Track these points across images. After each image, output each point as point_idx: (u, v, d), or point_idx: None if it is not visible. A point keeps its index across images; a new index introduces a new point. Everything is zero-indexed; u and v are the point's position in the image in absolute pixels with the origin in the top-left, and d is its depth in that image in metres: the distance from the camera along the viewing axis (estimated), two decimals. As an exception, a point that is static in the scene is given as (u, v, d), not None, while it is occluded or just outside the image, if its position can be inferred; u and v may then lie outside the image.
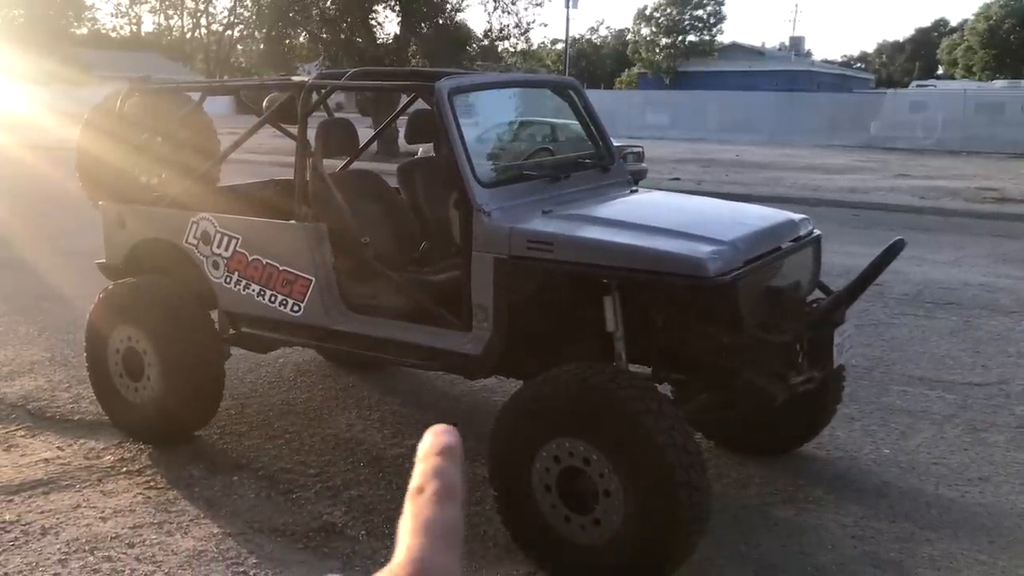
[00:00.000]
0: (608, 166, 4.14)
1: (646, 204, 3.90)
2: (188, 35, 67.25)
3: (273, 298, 3.96)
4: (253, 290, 4.02)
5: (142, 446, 4.25)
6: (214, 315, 4.34)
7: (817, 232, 3.71)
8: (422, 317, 3.66)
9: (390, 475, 3.94)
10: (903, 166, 22.82)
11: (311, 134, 3.95)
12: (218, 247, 4.10)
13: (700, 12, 53.09)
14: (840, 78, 55.25)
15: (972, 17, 53.07)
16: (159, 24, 69.98)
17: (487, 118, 16.35)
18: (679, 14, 52.77)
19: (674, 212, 3.78)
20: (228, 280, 4.10)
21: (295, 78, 4.35)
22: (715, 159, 24.22)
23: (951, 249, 10.05)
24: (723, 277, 2.96)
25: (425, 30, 24.74)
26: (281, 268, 3.91)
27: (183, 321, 4.13)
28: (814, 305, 3.42)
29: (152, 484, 3.85)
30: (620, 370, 3.06)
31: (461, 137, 3.46)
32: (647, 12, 54.43)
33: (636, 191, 4.05)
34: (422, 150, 17.24)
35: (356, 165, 5.07)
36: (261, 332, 4.13)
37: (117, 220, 4.51)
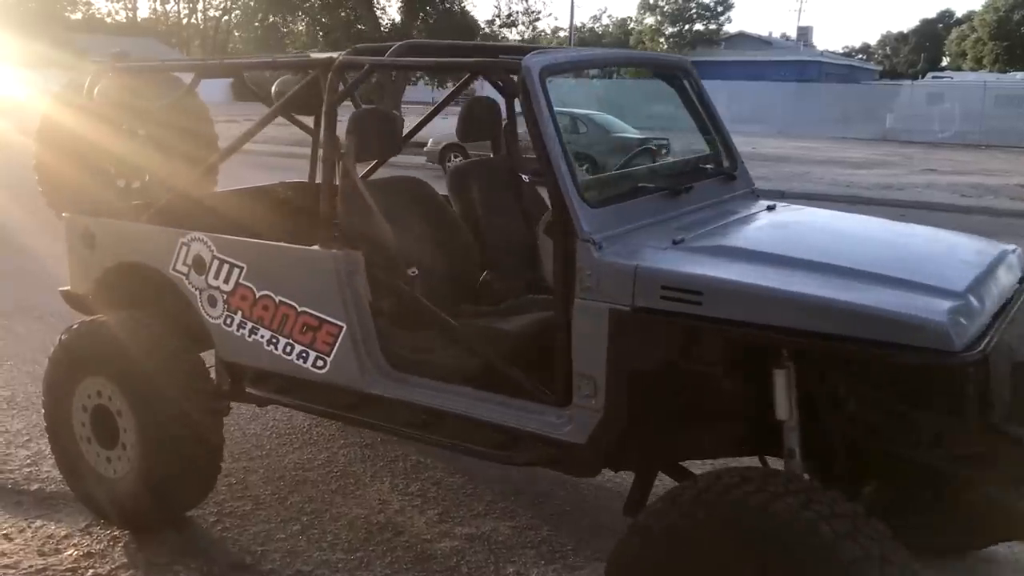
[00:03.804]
0: (733, 173, 3.15)
1: (809, 229, 2.88)
2: (184, 20, 66.04)
3: (289, 349, 2.95)
4: (261, 337, 3.01)
5: (116, 533, 3.27)
6: (209, 357, 3.34)
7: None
8: (495, 383, 2.66)
9: (444, 586, 2.96)
10: (926, 160, 21.91)
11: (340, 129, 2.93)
12: (215, 278, 3.10)
13: (706, 0, 51.98)
14: (848, 69, 54.31)
15: (980, 8, 52.25)
16: (155, 9, 68.79)
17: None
18: (685, 2, 51.65)
19: (859, 243, 2.73)
20: (229, 322, 3.09)
21: (314, 54, 3.33)
22: (732, 152, 23.23)
23: None
24: (973, 352, 1.98)
25: (430, 16, 23.79)
26: (300, 309, 2.91)
27: (169, 372, 3.13)
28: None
29: (126, 599, 2.87)
30: (812, 489, 2.05)
31: (559, 135, 2.46)
32: (652, 0, 53.31)
33: (773, 207, 3.02)
34: (432, 141, 16.29)
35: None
36: (270, 394, 3.12)
37: (84, 238, 3.50)
